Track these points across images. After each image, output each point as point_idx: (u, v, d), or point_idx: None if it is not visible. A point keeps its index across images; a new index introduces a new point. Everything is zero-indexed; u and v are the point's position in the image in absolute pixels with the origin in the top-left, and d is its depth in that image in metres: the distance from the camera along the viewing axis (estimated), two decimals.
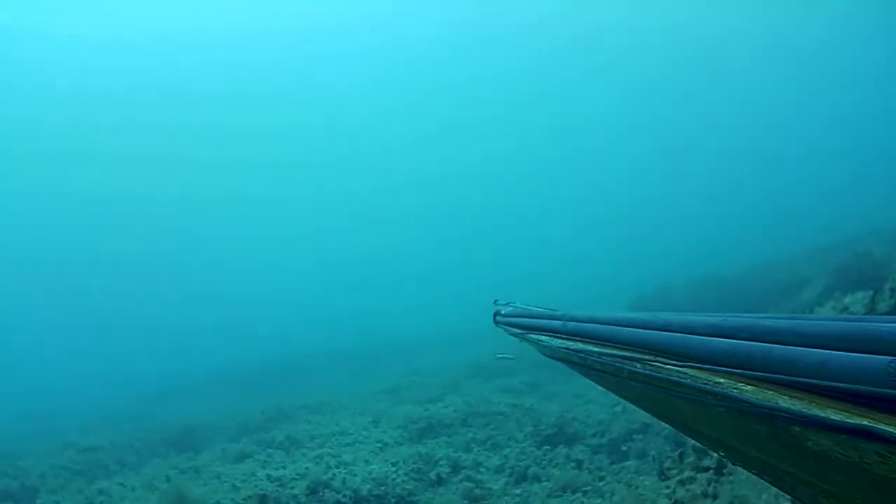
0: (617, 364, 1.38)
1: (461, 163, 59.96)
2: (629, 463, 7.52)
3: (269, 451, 9.48)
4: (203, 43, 49.15)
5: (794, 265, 16.16)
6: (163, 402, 19.19)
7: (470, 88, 56.83)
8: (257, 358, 24.61)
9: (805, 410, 0.92)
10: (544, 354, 2.14)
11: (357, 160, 58.94)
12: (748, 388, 1.06)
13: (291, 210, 57.16)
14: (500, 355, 9.24)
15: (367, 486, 7.15)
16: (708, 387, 1.12)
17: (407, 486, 7.29)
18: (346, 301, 45.78)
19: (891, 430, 0.80)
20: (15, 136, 47.95)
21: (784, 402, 0.97)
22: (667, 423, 1.34)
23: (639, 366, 1.28)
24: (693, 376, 1.16)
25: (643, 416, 8.32)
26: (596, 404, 9.69)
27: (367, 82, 57.11)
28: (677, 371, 1.21)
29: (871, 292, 7.39)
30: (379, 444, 8.77)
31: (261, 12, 48.91)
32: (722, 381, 1.12)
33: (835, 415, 0.88)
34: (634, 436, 8.12)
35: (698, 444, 4.38)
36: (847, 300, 7.88)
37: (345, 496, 7.04)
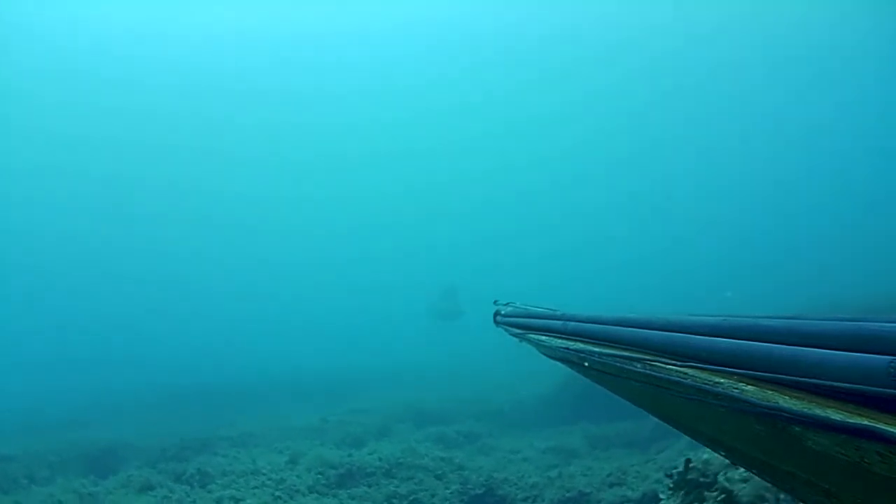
0: (617, 364, 1.38)
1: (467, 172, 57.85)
2: None
3: (175, 485, 8.98)
4: (212, 47, 48.12)
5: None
6: (98, 414, 18.09)
7: (485, 95, 55.14)
8: (205, 377, 23.68)
9: (805, 410, 0.92)
10: (544, 355, 2.14)
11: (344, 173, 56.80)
12: (749, 388, 1.06)
13: (261, 230, 54.93)
14: None
15: None
16: (708, 387, 1.12)
17: None
18: (318, 325, 44.13)
19: (891, 429, 0.80)
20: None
21: (784, 401, 0.97)
22: (667, 423, 1.35)
23: (639, 366, 1.29)
24: (693, 376, 1.17)
25: (580, 482, 7.87)
26: (531, 464, 9.03)
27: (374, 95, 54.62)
28: (677, 371, 1.21)
29: None
30: (288, 491, 8.23)
31: (266, 16, 48.14)
32: (722, 381, 1.12)
33: (835, 415, 0.88)
34: None
35: None
36: None
37: None
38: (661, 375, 1.23)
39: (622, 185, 53.35)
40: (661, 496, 5.30)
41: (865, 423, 0.84)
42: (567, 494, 7.75)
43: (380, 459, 9.18)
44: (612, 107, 53.84)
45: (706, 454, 4.49)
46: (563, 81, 53.07)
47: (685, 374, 1.19)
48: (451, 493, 8.16)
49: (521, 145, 56.01)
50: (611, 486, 7.60)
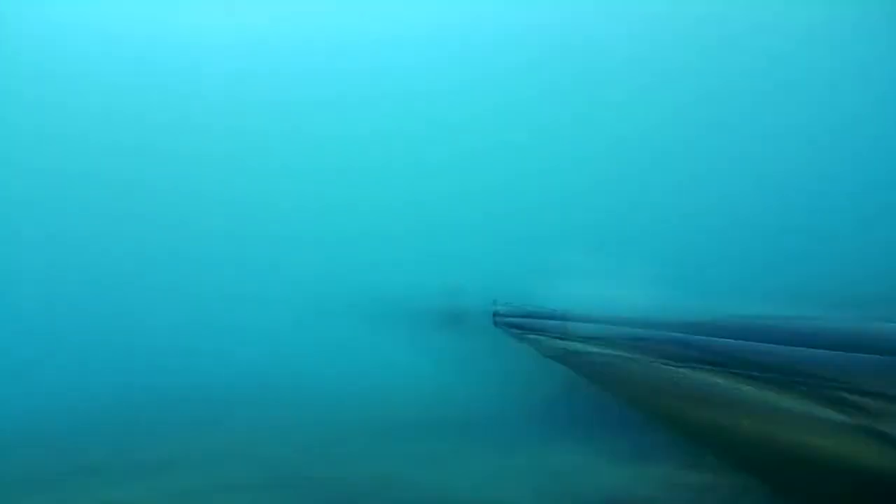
0: (615, 363, 1.38)
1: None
2: None
3: None
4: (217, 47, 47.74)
5: None
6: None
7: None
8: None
9: (804, 411, 0.92)
10: (543, 355, 2.13)
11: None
12: (747, 388, 1.06)
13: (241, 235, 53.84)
14: None
15: None
16: (706, 387, 1.12)
17: None
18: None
19: (889, 429, 0.80)
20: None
21: (784, 402, 0.97)
22: (665, 423, 1.34)
23: (636, 366, 1.28)
24: (691, 377, 1.16)
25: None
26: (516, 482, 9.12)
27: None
28: (675, 372, 1.21)
29: None
30: None
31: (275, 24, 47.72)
32: (721, 381, 1.12)
33: (834, 415, 0.88)
34: None
35: None
36: None
37: None
38: (659, 376, 1.22)
39: (636, 190, 52.32)
40: None
41: (864, 423, 0.84)
42: None
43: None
44: (627, 114, 53.15)
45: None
46: (572, 90, 52.60)
47: (682, 374, 1.18)
48: None
49: (537, 152, 55.27)
50: None
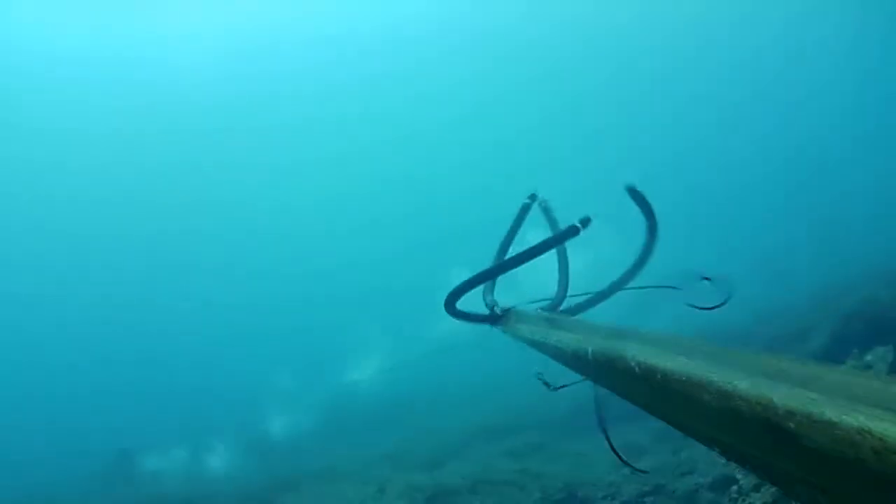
0: (611, 358, 1.37)
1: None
2: None
3: None
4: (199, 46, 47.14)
5: (798, 311, 14.69)
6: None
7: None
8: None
9: (800, 407, 0.91)
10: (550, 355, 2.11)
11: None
12: (743, 384, 1.05)
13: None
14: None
15: None
16: (702, 382, 1.11)
17: None
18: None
19: (887, 426, 0.79)
20: None
21: (779, 397, 0.96)
22: (662, 419, 1.34)
23: (633, 363, 1.27)
24: (686, 373, 1.15)
25: (655, 477, 8.28)
26: (602, 464, 9.39)
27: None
28: (670, 367, 1.20)
29: (891, 346, 7.51)
30: None
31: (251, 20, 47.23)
32: (716, 377, 1.11)
33: (831, 411, 0.87)
34: (646, 498, 8.09)
35: None
36: (868, 357, 7.85)
37: None
38: (654, 371, 1.21)
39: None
40: (738, 476, 5.42)
41: (861, 419, 0.82)
42: (643, 488, 8.27)
43: (462, 478, 9.63)
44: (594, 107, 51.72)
45: None
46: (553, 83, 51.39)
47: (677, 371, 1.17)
48: (533, 501, 8.60)
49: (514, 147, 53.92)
50: (682, 475, 7.95)
